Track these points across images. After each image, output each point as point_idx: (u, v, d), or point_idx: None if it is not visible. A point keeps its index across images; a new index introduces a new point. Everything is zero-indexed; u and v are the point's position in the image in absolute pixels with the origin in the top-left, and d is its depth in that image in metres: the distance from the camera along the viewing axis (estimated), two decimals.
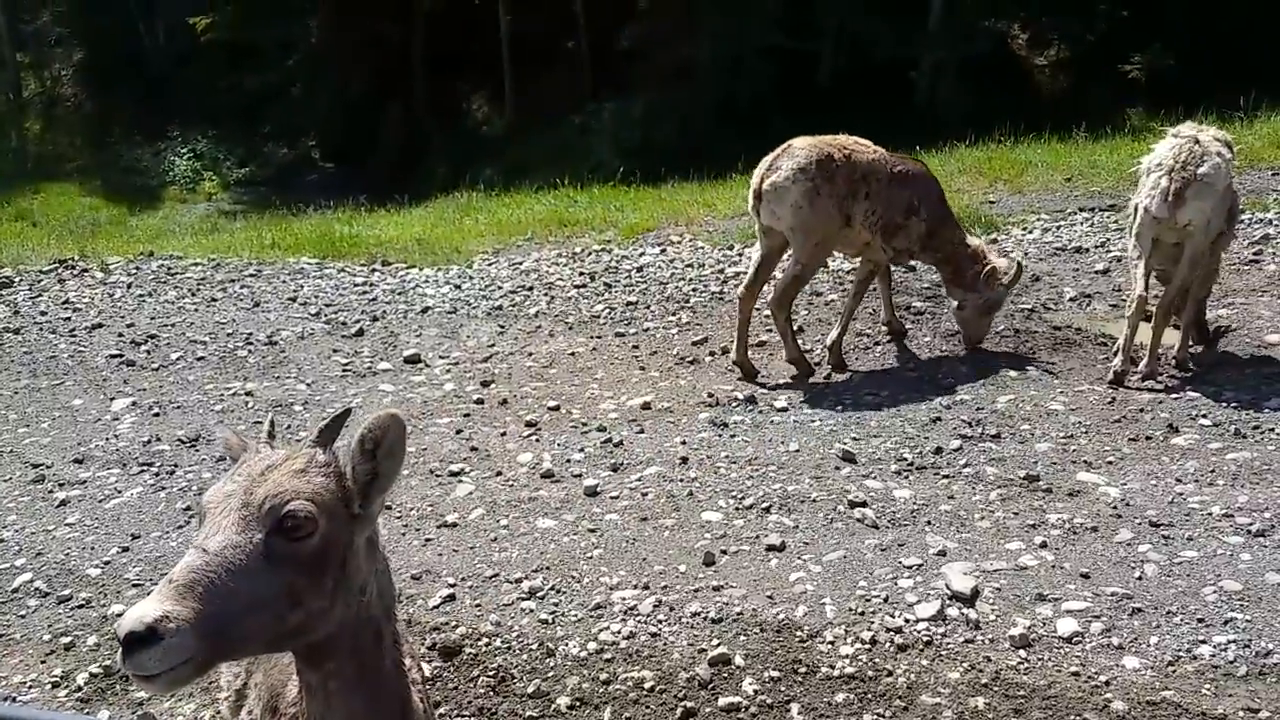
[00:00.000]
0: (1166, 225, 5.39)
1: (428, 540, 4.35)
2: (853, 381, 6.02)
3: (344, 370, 6.67)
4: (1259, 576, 3.70)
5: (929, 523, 4.27)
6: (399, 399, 6.05)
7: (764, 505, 4.46)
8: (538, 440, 5.34)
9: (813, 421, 5.41)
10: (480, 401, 5.94)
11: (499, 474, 4.96)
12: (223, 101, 27.29)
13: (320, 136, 28.12)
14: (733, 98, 22.68)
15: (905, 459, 4.87)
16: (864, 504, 4.43)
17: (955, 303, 6.37)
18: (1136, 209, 5.56)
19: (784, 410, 5.60)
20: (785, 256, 6.23)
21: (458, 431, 5.51)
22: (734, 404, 5.72)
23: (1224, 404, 5.23)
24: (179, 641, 1.50)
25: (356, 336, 7.37)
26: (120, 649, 1.49)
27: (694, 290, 7.92)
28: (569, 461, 5.03)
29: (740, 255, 8.77)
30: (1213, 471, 4.55)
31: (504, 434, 5.45)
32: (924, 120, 17.35)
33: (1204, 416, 5.10)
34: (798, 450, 5.02)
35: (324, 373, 6.64)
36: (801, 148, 5.91)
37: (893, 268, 6.66)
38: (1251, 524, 4.05)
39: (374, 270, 9.59)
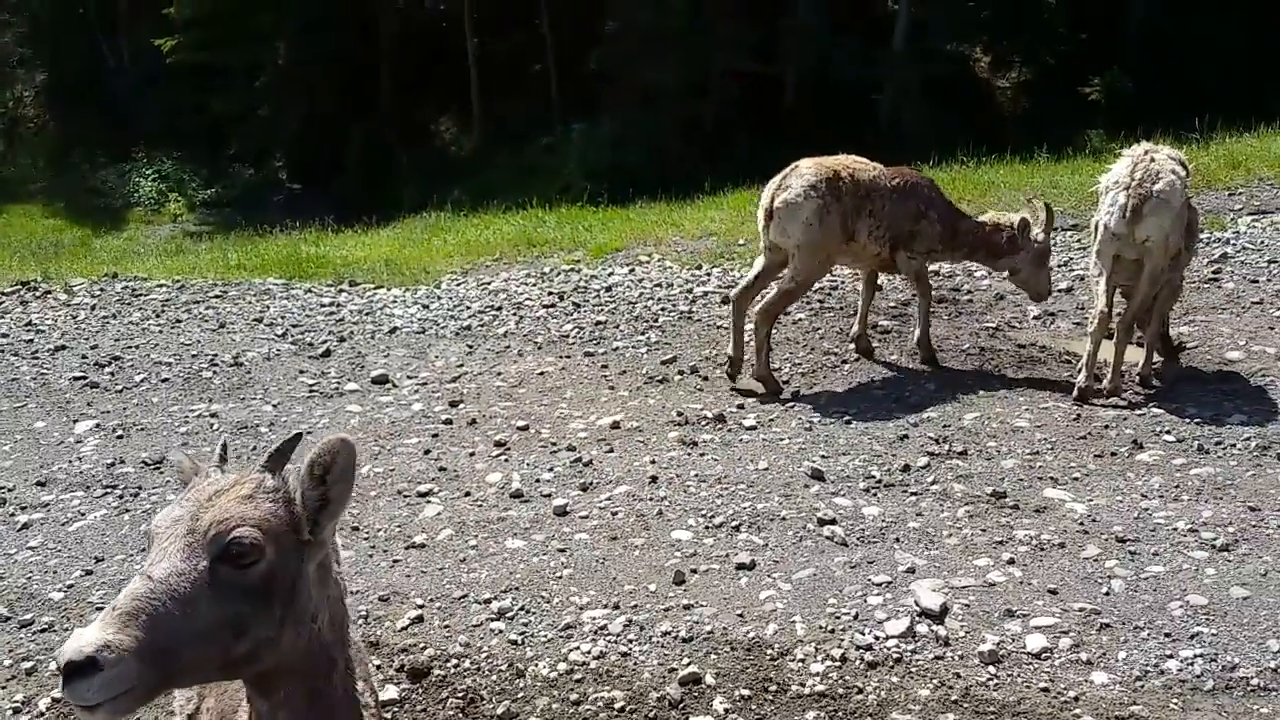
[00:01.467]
0: (1126, 241, 5.48)
1: (395, 561, 4.30)
2: (821, 400, 6.04)
3: (310, 391, 6.60)
4: (1224, 591, 3.74)
5: (898, 540, 4.28)
6: (366, 419, 5.99)
7: (734, 523, 4.46)
8: (507, 460, 5.31)
9: (781, 439, 5.42)
10: (449, 421, 5.89)
11: (468, 494, 4.91)
12: (188, 123, 27.03)
13: (287, 157, 27.94)
14: (699, 120, 22.89)
15: (874, 476, 4.88)
16: (833, 521, 4.43)
17: (1007, 272, 6.48)
18: (1097, 226, 5.65)
19: (753, 429, 5.61)
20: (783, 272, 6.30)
21: (426, 452, 5.46)
22: (703, 423, 5.72)
23: (1187, 420, 5.30)
24: (119, 672, 1.47)
25: (323, 357, 7.30)
26: (61, 678, 1.46)
27: (662, 310, 7.93)
28: (538, 481, 5.00)
29: (708, 275, 8.80)
30: (1177, 487, 4.60)
31: (473, 454, 5.41)
32: (888, 141, 17.59)
33: (1168, 432, 5.17)
34: (767, 468, 5.03)
35: (290, 394, 6.56)
36: (809, 167, 6.11)
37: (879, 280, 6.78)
38: (1216, 539, 4.09)
39: (341, 291, 9.51)
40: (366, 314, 8.48)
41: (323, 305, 8.86)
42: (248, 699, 1.79)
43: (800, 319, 7.37)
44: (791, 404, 6.01)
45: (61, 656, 1.46)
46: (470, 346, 7.44)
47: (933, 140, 13.76)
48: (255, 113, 27.42)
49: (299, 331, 7.98)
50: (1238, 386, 5.70)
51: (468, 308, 8.47)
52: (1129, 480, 4.71)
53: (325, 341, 7.64)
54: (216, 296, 9.30)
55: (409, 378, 6.78)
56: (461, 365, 7.00)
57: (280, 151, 27.99)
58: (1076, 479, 4.76)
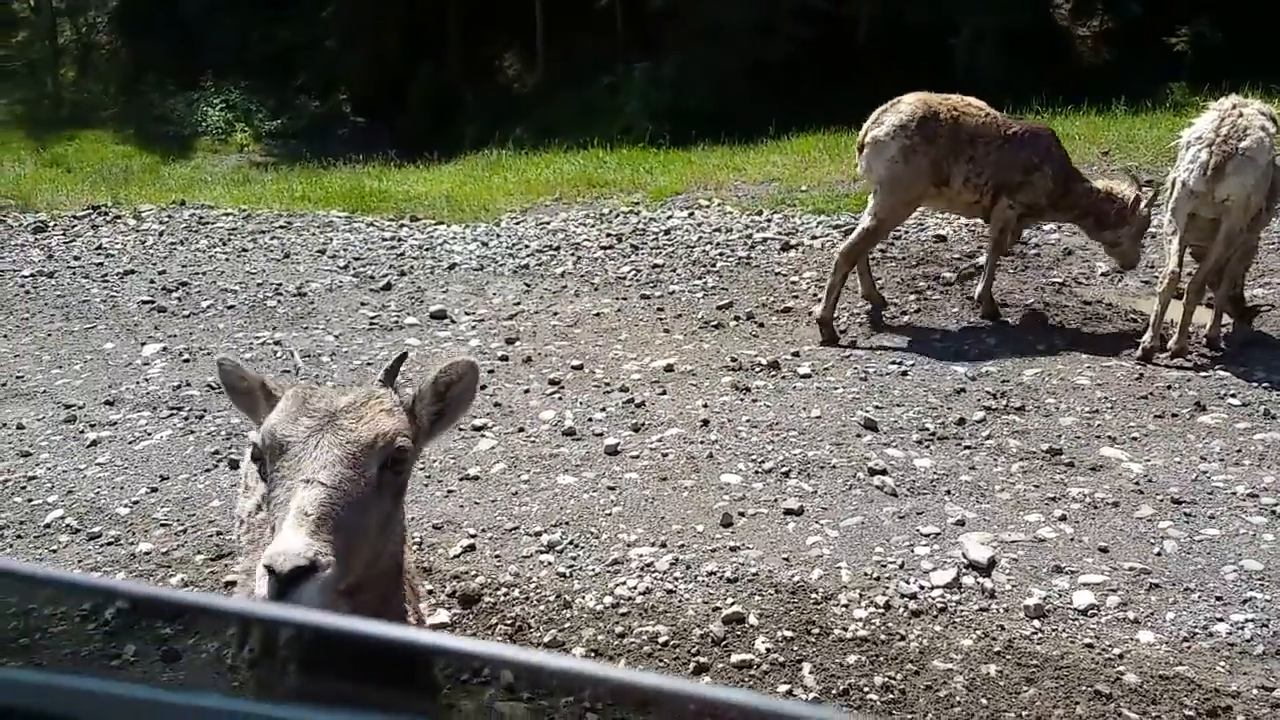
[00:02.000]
0: (1204, 200, 5.29)
1: (450, 491, 4.41)
2: (878, 350, 6.00)
3: (371, 323, 6.72)
4: None
5: (948, 492, 4.27)
6: (424, 353, 6.09)
7: (783, 469, 4.48)
8: (560, 398, 5.38)
9: (835, 389, 5.40)
10: (505, 358, 5.98)
11: (521, 430, 5.00)
12: (256, 53, 27.25)
13: (352, 91, 28.06)
14: (765, 61, 22.39)
15: (927, 429, 4.86)
16: (884, 472, 4.43)
17: (1108, 243, 6.38)
18: (1174, 183, 5.47)
19: (807, 376, 5.60)
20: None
21: (482, 387, 5.51)
22: (757, 369, 5.72)
23: (1254, 384, 5.17)
24: (332, 574, 1.53)
25: (384, 290, 7.42)
26: (274, 587, 1.49)
27: (720, 255, 7.89)
28: (590, 420, 5.06)
29: (768, 221, 8.71)
30: (1239, 451, 4.51)
31: (527, 391, 5.48)
32: (963, 88, 17.06)
33: (1233, 396, 5.05)
34: (819, 416, 5.03)
35: (351, 325, 6.70)
36: (910, 103, 5.98)
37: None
38: (1276, 504, 4.02)
39: (402, 225, 9.62)
40: (426, 249, 8.57)
41: (384, 239, 8.97)
42: None
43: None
44: (848, 353, 5.98)
45: (281, 563, 1.49)
46: (528, 285, 7.49)
47: (1009, 88, 13.32)
48: (323, 44, 27.53)
49: (361, 264, 8.11)
50: None
51: (526, 246, 8.51)
52: (1189, 442, 4.62)
53: (386, 275, 7.75)
54: (281, 227, 9.47)
55: (467, 314, 6.86)
56: (518, 303, 7.07)
57: (346, 85, 28.11)
58: (1135, 439, 4.68)
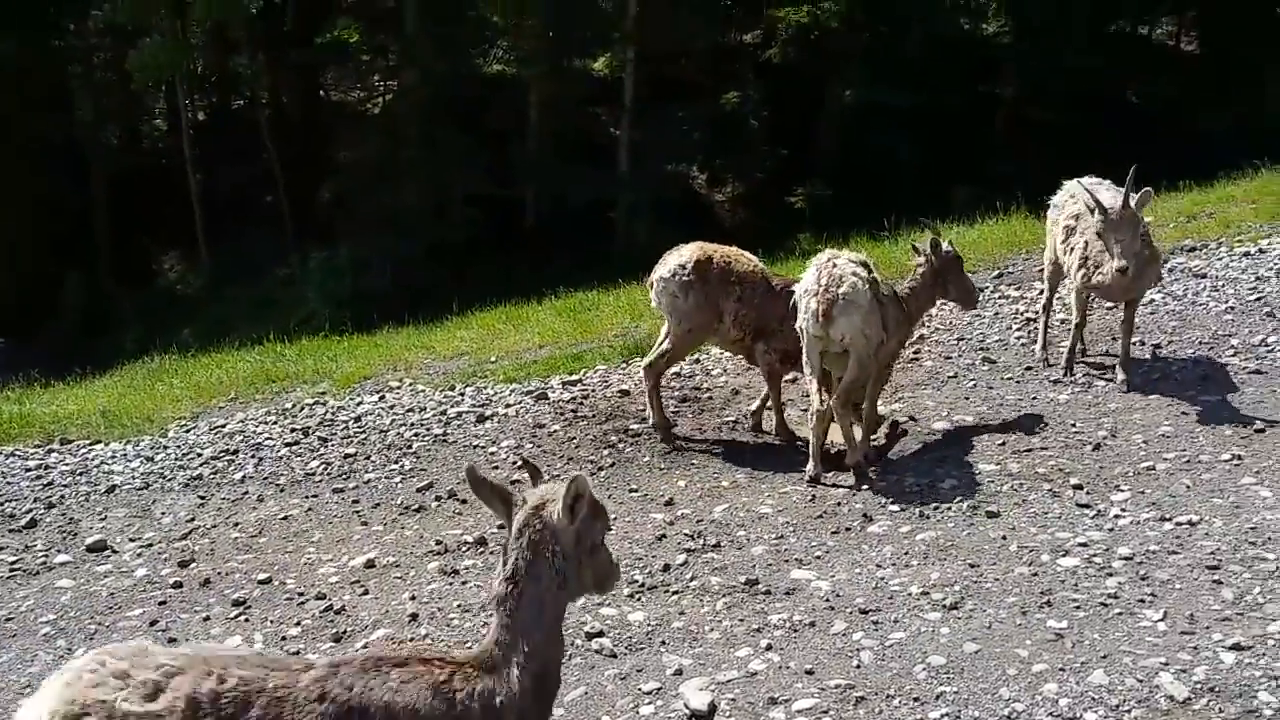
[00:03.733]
0: (826, 342, 6.02)
1: None
2: None
3: (11, 570, 5.82)
4: (959, 648, 4.04)
5: (664, 643, 4.33)
6: (80, 594, 5.34)
7: None
8: (247, 620, 4.90)
9: None
10: (179, 585, 5.38)
11: None
12: None
13: None
14: (443, 243, 23.03)
15: (636, 580, 4.93)
16: (600, 634, 4.42)
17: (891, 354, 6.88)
18: (801, 331, 6.17)
19: None
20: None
21: (152, 623, 4.94)
22: (464, 549, 5.57)
23: (907, 490, 5.78)
24: None
25: (27, 529, 6.49)
26: None
27: (416, 435, 7.73)
28: (284, 639, 4.64)
29: (461, 395, 8.71)
30: (906, 553, 4.98)
31: (207, 618, 4.95)
32: (626, 256, 18.50)
33: (893, 503, 5.61)
34: None
35: None
36: (690, 248, 6.85)
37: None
38: (945, 599, 4.44)
39: (50, 451, 8.55)
40: (80, 474, 7.65)
41: (27, 470, 7.90)
42: None
43: (545, 424, 7.41)
44: None
45: None
46: (202, 498, 6.88)
47: (664, 252, 14.58)
48: None
49: None
50: (946, 454, 6.30)
51: (199, 455, 7.86)
52: (864, 552, 5.05)
53: (30, 510, 6.80)
54: None
55: (131, 540, 6.15)
56: (192, 519, 6.45)
57: None
58: (819, 557, 5.04)
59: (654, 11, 25.58)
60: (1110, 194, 6.57)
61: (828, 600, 4.55)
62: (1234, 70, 27.69)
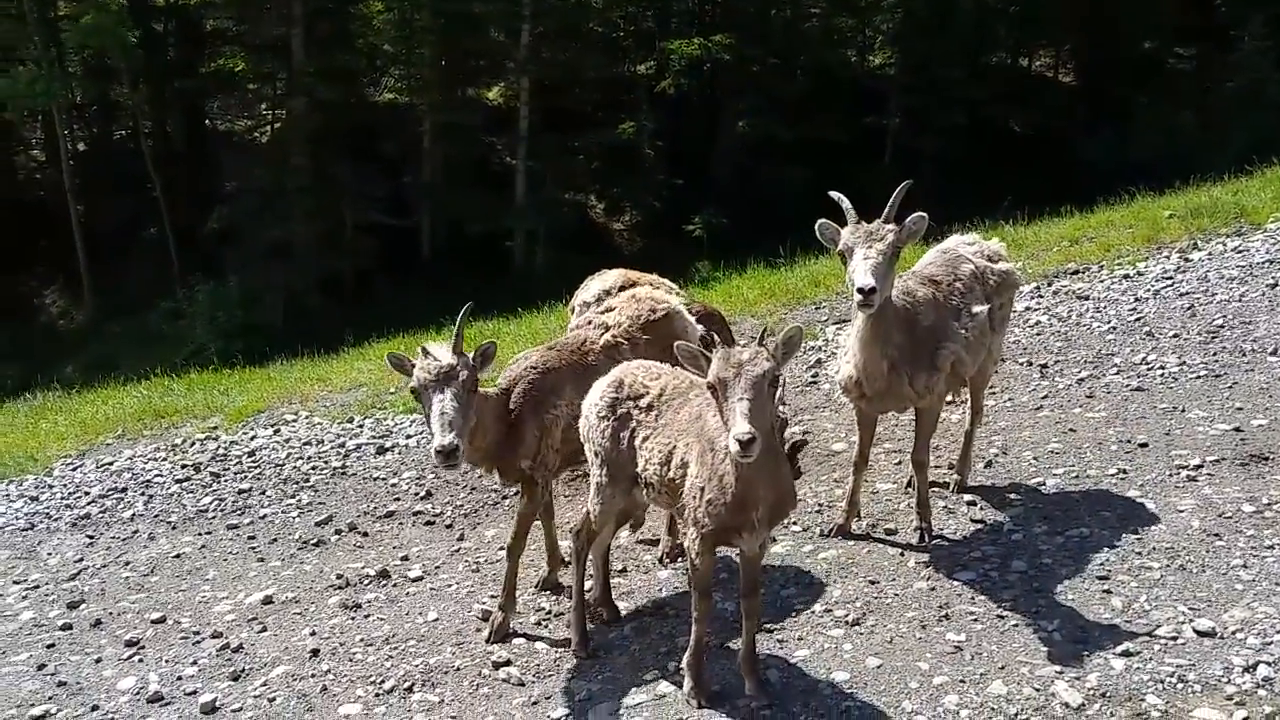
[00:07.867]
0: None
1: None
2: (486, 538, 6.04)
3: None
4: (861, 663, 4.15)
5: (572, 669, 4.33)
6: None
7: (406, 685, 4.28)
8: (141, 660, 4.71)
9: (449, 585, 5.33)
10: (67, 627, 5.13)
11: (95, 708, 4.29)
12: None
13: None
14: (337, 273, 22.61)
15: (544, 608, 4.94)
16: (508, 663, 4.41)
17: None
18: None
19: (419, 579, 5.46)
20: None
21: (40, 667, 4.71)
22: (366, 581, 5.48)
23: (808, 509, 5.94)
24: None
25: None
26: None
27: (314, 468, 7.57)
28: (180, 679, 4.48)
29: (360, 427, 8.56)
30: (808, 572, 5.11)
31: (99, 660, 4.74)
32: (520, 283, 18.49)
33: (794, 523, 5.75)
34: (437, 619, 4.90)
35: None
36: (612, 273, 6.59)
37: None
38: (847, 615, 4.57)
39: None
40: None
41: None
42: None
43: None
44: (457, 548, 5.95)
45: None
46: (91, 537, 6.58)
47: (561, 279, 14.66)
48: None
49: None
50: (843, 474, 6.49)
51: (86, 494, 7.52)
52: (768, 573, 5.15)
53: None
54: None
55: (15, 583, 5.85)
56: (81, 560, 6.17)
57: None
58: (724, 579, 5.11)
59: (547, 42, 25.82)
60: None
61: (734, 622, 4.63)
62: (1106, 102, 29.60)
